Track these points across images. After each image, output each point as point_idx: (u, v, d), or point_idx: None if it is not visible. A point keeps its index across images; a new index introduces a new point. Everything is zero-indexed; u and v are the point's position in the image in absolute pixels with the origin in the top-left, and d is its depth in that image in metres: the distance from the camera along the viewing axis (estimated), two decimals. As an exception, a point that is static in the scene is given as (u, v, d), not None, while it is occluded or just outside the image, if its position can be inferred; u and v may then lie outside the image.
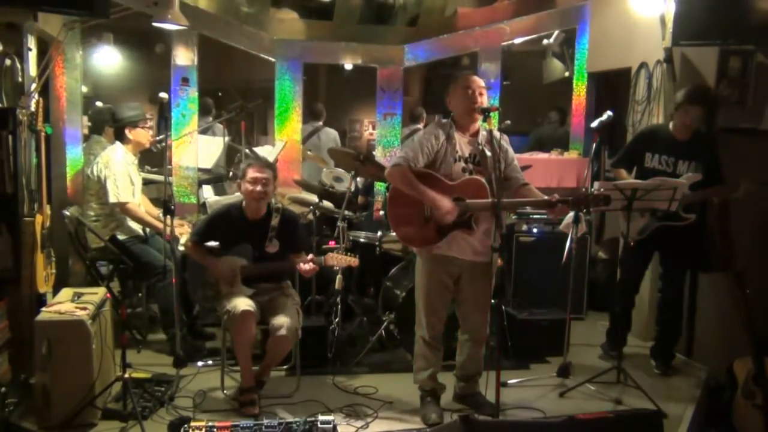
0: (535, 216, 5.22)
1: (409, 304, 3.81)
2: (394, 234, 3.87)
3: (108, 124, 4.97)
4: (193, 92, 5.52)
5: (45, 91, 4.48)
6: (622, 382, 3.91)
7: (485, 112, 3.27)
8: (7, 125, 3.60)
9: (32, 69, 4.11)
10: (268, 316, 3.58)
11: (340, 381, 3.95)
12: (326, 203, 4.79)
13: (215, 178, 5.77)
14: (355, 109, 11.18)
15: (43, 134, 3.86)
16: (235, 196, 4.63)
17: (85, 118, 5.43)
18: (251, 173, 3.61)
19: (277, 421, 3.01)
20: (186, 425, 2.97)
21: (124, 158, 4.33)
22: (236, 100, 6.90)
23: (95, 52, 7.85)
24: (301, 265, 3.61)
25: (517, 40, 6.42)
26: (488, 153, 3.29)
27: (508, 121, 5.31)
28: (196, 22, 5.27)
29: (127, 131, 4.37)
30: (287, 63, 5.83)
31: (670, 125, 4.13)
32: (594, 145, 4.09)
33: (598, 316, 5.18)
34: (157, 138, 4.21)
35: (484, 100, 3.35)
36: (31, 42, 4.09)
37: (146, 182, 4.94)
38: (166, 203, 3.71)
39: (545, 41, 7.15)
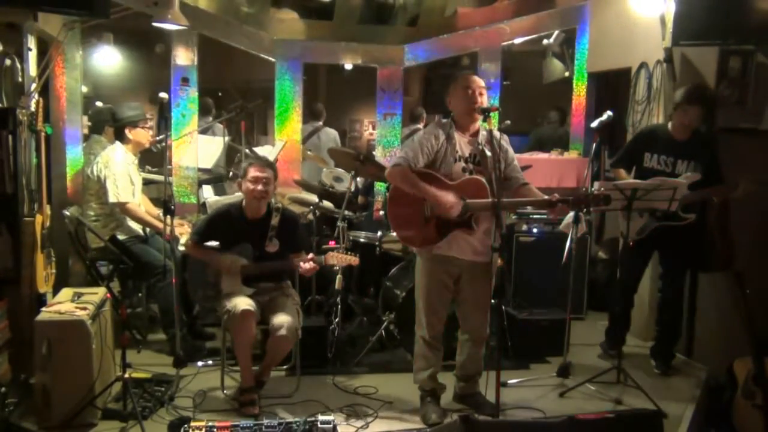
0: (535, 216, 5.22)
1: (409, 304, 3.81)
2: (394, 234, 3.88)
3: (108, 124, 4.97)
4: (193, 92, 5.52)
5: (45, 91, 4.48)
6: (622, 382, 3.91)
7: (485, 112, 3.27)
8: (7, 125, 3.60)
9: (32, 69, 4.11)
10: (268, 315, 3.58)
11: (340, 381, 3.95)
12: (326, 203, 4.79)
13: (215, 178, 5.77)
14: (355, 109, 11.19)
15: (43, 134, 3.85)
16: (235, 196, 4.63)
17: (85, 118, 5.44)
18: (252, 172, 3.61)
19: (277, 421, 3.02)
20: (186, 425, 2.97)
21: (124, 158, 4.33)
22: (236, 100, 6.91)
23: (95, 52, 7.86)
24: (302, 264, 3.61)
25: (517, 40, 6.42)
26: (488, 153, 3.29)
27: (508, 121, 5.32)
28: (196, 22, 5.27)
29: (127, 131, 4.38)
30: (287, 63, 5.83)
31: (669, 125, 4.13)
32: (594, 145, 4.09)
33: (598, 316, 5.18)
34: (157, 138, 4.21)
35: (484, 100, 3.35)
36: (31, 42, 4.10)
37: (146, 182, 4.94)
38: (166, 203, 3.71)
39: (545, 41, 7.14)
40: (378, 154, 6.12)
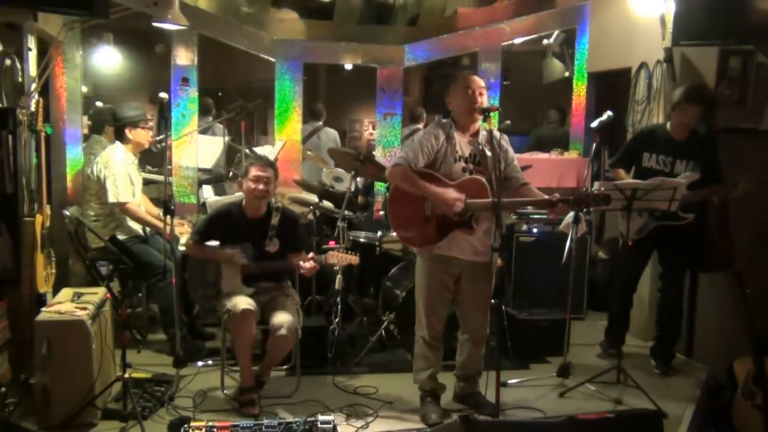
0: (535, 216, 5.22)
1: (409, 304, 3.81)
2: (394, 234, 3.88)
3: (108, 124, 4.97)
4: (193, 92, 5.52)
5: (45, 91, 4.48)
6: (622, 382, 3.91)
7: (485, 112, 3.27)
8: (7, 125, 3.60)
9: (32, 69, 4.11)
10: (268, 315, 3.58)
11: (340, 381, 3.95)
12: (326, 203, 4.79)
13: (215, 178, 5.77)
14: (355, 109, 11.18)
15: (43, 134, 3.85)
16: (234, 196, 4.63)
17: (85, 118, 5.44)
18: (254, 171, 3.61)
19: (277, 421, 3.02)
20: (186, 425, 2.97)
21: (124, 158, 4.33)
22: (236, 100, 6.91)
23: (95, 52, 7.86)
24: (302, 263, 3.62)
25: (517, 40, 6.42)
26: (488, 153, 3.29)
27: (508, 121, 5.32)
28: (196, 22, 5.27)
29: (127, 131, 4.37)
30: (287, 63, 5.83)
31: (668, 125, 4.13)
32: (594, 145, 4.09)
33: (598, 316, 5.18)
34: (157, 138, 4.21)
35: (484, 100, 3.35)
36: (31, 42, 4.10)
37: (146, 182, 4.94)
38: (166, 203, 3.71)
39: (545, 41, 7.14)
40: (378, 154, 6.12)
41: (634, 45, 4.98)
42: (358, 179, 5.24)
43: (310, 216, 4.77)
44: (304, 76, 5.91)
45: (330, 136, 7.10)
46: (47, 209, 3.86)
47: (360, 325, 4.68)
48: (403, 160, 3.30)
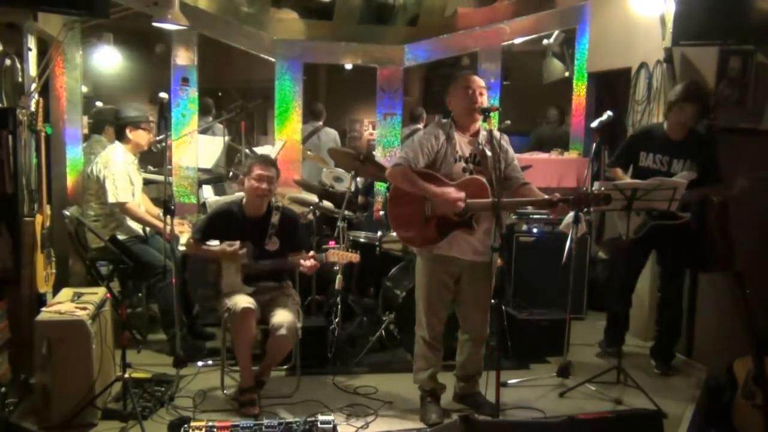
0: (535, 216, 5.22)
1: (409, 304, 3.81)
2: (394, 234, 3.88)
3: (109, 123, 4.97)
4: (193, 92, 5.52)
5: (45, 91, 4.48)
6: (622, 382, 3.91)
7: (485, 112, 3.27)
8: (7, 125, 3.59)
9: (32, 69, 4.11)
10: (268, 315, 3.58)
11: (340, 381, 3.95)
12: (326, 203, 4.79)
13: (215, 178, 5.77)
14: (355, 109, 11.19)
15: (43, 134, 3.85)
16: (234, 196, 4.63)
17: (86, 118, 5.44)
18: (257, 170, 3.62)
19: (277, 421, 3.02)
20: (186, 425, 2.97)
21: (124, 158, 4.33)
22: (236, 100, 6.90)
23: (95, 52, 7.86)
24: (302, 261, 3.62)
25: (517, 40, 6.42)
26: (488, 153, 3.29)
27: (508, 121, 5.32)
28: (196, 22, 5.27)
29: (128, 131, 4.37)
30: (287, 63, 5.84)
31: (665, 125, 4.13)
32: (594, 145, 4.09)
33: (598, 316, 5.17)
34: (157, 138, 4.21)
35: (484, 100, 3.35)
36: (31, 42, 4.09)
37: (146, 182, 4.95)
38: (166, 203, 3.71)
39: (545, 41, 7.14)
40: (378, 154, 6.12)
41: (634, 45, 4.98)
42: (358, 179, 5.24)
43: (310, 216, 4.77)
44: (304, 76, 5.92)
45: (330, 136, 7.10)
46: (47, 209, 3.86)
47: (360, 325, 4.68)
48: (404, 160, 3.30)
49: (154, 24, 4.61)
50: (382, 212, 5.12)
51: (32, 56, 4.10)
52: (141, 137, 4.39)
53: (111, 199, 4.23)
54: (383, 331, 4.31)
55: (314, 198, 4.81)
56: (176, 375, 3.78)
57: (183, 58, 5.48)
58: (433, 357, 3.52)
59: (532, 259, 5.11)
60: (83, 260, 4.51)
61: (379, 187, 5.77)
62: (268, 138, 9.00)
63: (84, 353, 3.23)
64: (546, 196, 3.28)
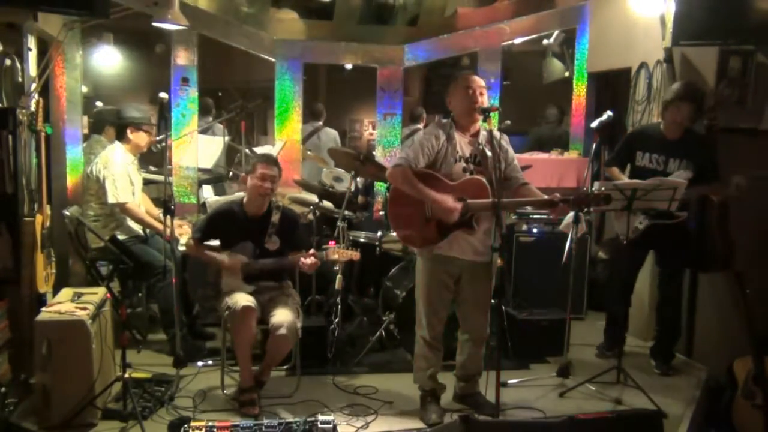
0: (535, 216, 5.22)
1: (409, 304, 3.81)
2: (394, 234, 3.88)
3: (110, 123, 4.97)
4: (193, 92, 5.52)
5: (45, 91, 4.48)
6: (622, 382, 3.92)
7: (485, 112, 3.27)
8: (7, 125, 3.59)
9: (32, 69, 4.11)
10: (268, 315, 3.57)
11: (340, 381, 3.95)
12: (326, 203, 4.79)
13: (215, 178, 5.77)
14: (355, 109, 11.18)
15: (43, 134, 3.85)
16: (234, 196, 4.64)
17: (86, 118, 5.44)
18: (261, 169, 3.62)
19: (277, 421, 3.02)
20: (186, 425, 2.97)
21: (124, 158, 4.33)
22: (236, 100, 6.91)
23: (95, 52, 7.86)
24: (303, 259, 3.62)
25: (517, 40, 6.42)
26: (488, 153, 3.29)
27: (508, 121, 5.32)
28: (196, 22, 5.27)
29: (129, 131, 4.38)
30: (287, 63, 5.84)
31: (661, 124, 4.14)
32: (594, 145, 4.09)
33: (597, 316, 5.17)
34: (157, 138, 4.21)
35: (485, 100, 3.35)
36: (31, 42, 4.09)
37: (146, 182, 4.95)
38: (166, 203, 3.71)
39: (545, 41, 7.14)
40: (378, 154, 6.12)
41: (634, 45, 4.98)
42: (358, 179, 5.24)
43: (310, 216, 4.77)
44: (304, 76, 5.92)
45: (330, 136, 7.10)
46: (47, 209, 3.86)
47: (360, 325, 4.67)
48: (404, 160, 3.30)
49: (154, 24, 4.61)
50: (382, 212, 5.12)
51: (32, 56, 4.11)
52: (141, 138, 4.40)
53: (111, 200, 4.23)
54: (383, 331, 4.31)
55: (314, 198, 4.81)
56: (176, 375, 3.78)
57: (183, 58, 5.48)
58: (433, 357, 3.52)
59: (532, 259, 5.11)
60: (83, 260, 4.51)
61: (379, 187, 5.77)
62: (268, 138, 9.00)
63: (84, 353, 3.23)
64: (546, 196, 3.28)
